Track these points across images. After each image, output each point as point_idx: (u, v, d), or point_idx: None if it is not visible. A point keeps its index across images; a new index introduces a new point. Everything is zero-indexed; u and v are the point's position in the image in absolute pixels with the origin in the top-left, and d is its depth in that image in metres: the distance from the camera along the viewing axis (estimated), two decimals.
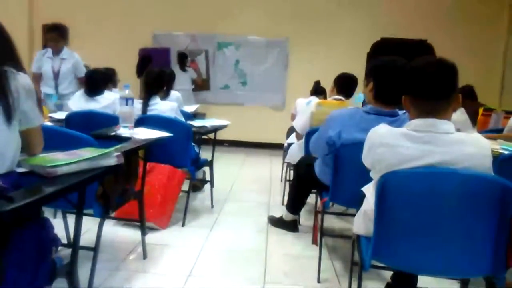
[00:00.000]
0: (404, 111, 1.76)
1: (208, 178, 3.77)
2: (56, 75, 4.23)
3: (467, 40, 6.40)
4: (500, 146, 2.20)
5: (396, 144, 1.42)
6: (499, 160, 1.98)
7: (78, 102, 3.35)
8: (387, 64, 2.09)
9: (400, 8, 6.50)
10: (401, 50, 4.79)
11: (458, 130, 1.46)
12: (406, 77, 1.51)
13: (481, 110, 4.54)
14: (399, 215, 1.43)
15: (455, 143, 1.39)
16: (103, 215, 1.98)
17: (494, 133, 3.00)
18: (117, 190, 2.04)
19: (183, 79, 6.32)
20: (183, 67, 6.35)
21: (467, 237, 1.40)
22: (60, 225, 2.35)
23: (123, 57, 6.10)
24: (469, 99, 4.23)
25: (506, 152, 2.10)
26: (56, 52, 4.22)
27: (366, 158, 1.57)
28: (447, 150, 1.37)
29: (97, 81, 3.42)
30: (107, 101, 3.35)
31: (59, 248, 1.85)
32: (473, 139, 1.42)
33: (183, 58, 6.40)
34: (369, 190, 1.62)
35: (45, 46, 4.27)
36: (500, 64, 6.51)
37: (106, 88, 3.53)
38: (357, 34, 6.58)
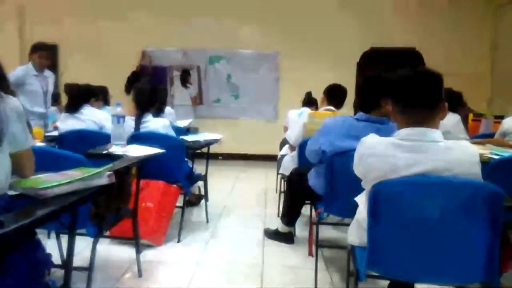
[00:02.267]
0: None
1: (202, 192, 3.75)
2: (45, 94, 4.17)
3: (455, 47, 6.51)
4: (489, 152, 2.22)
5: (386, 153, 1.44)
6: (489, 165, 2.00)
7: (62, 120, 3.32)
8: (365, 78, 2.27)
9: (389, 18, 6.61)
10: (390, 59, 4.87)
11: (448, 132, 1.48)
12: (392, 88, 1.53)
13: (470, 116, 4.59)
14: (392, 224, 1.44)
15: (444, 151, 1.40)
16: (97, 235, 1.97)
17: (485, 138, 3.03)
18: (111, 209, 2.03)
19: (183, 95, 6.39)
20: (184, 83, 6.41)
21: (460, 244, 1.41)
22: (54, 246, 2.32)
23: (114, 74, 6.11)
24: (458, 105, 4.27)
25: (496, 157, 2.13)
26: (42, 70, 4.14)
27: (357, 168, 1.59)
28: (436, 158, 1.39)
29: (74, 96, 3.33)
30: (88, 117, 3.26)
31: (54, 269, 1.83)
32: (461, 146, 1.44)
33: (185, 75, 6.47)
34: (362, 200, 1.63)
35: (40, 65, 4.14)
36: (489, 70, 6.61)
37: (88, 103, 3.40)
38: (347, 44, 6.66)
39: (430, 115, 1.45)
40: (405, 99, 1.49)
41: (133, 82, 6.08)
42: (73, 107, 3.28)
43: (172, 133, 3.18)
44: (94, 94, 3.67)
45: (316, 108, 4.23)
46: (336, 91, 3.33)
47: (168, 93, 4.88)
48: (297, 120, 3.48)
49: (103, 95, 4.34)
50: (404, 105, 1.49)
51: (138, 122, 3.11)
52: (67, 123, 3.23)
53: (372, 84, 2.14)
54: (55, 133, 3.37)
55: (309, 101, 4.51)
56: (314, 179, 2.43)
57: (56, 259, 2.09)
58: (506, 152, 2.25)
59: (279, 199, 3.82)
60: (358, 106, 2.21)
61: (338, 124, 2.20)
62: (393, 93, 1.54)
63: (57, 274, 1.93)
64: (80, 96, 3.37)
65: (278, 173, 4.05)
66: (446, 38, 6.53)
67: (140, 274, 2.44)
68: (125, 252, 2.75)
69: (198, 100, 6.77)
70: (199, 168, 3.63)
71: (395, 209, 1.43)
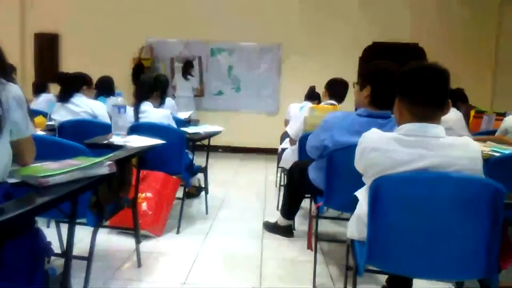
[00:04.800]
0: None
1: (202, 184, 3.76)
2: None
3: (458, 43, 6.48)
4: (490, 149, 2.21)
5: (388, 148, 1.43)
6: (490, 162, 2.00)
7: (56, 110, 3.29)
8: (384, 70, 2.08)
9: (392, 13, 6.57)
10: (392, 54, 4.83)
11: (450, 129, 1.47)
12: (400, 81, 1.51)
13: (472, 113, 4.58)
14: (392, 219, 1.44)
15: (446, 147, 1.40)
16: (97, 224, 1.97)
17: (486, 135, 3.02)
18: (111, 198, 2.03)
19: (185, 87, 6.39)
20: (185, 75, 6.40)
21: (460, 240, 1.41)
22: (53, 234, 2.33)
23: (116, 65, 6.09)
24: (460, 102, 4.27)
25: (497, 155, 2.12)
26: None
27: (359, 163, 1.58)
28: (438, 154, 1.39)
29: (66, 84, 3.30)
30: (81, 109, 3.22)
31: (53, 258, 1.84)
32: (463, 142, 1.43)
33: (188, 66, 6.46)
34: (362, 195, 1.63)
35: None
36: (491, 67, 6.59)
37: (79, 92, 3.35)
38: (349, 38, 6.63)
39: (436, 112, 1.44)
40: (412, 95, 1.46)
41: (137, 74, 6.09)
42: (65, 96, 3.26)
43: (173, 124, 3.17)
44: (86, 82, 3.60)
45: (319, 103, 4.21)
46: (337, 85, 3.33)
47: (169, 83, 4.87)
48: (298, 113, 3.47)
49: (108, 86, 4.30)
50: (411, 102, 1.47)
51: (136, 111, 3.10)
52: (60, 114, 3.20)
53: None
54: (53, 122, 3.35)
55: (312, 95, 4.50)
56: (314, 173, 2.43)
57: (55, 248, 2.10)
58: (507, 150, 2.24)
59: (279, 192, 3.83)
60: (373, 102, 2.09)
61: (339, 119, 2.17)
62: (399, 88, 1.52)
63: (57, 262, 1.93)
64: (71, 84, 3.34)
65: (278, 167, 4.05)
66: (449, 33, 6.50)
67: (139, 264, 2.45)
68: (125, 242, 2.76)
69: (200, 91, 6.76)
70: (199, 160, 3.63)
71: (396, 204, 1.43)
